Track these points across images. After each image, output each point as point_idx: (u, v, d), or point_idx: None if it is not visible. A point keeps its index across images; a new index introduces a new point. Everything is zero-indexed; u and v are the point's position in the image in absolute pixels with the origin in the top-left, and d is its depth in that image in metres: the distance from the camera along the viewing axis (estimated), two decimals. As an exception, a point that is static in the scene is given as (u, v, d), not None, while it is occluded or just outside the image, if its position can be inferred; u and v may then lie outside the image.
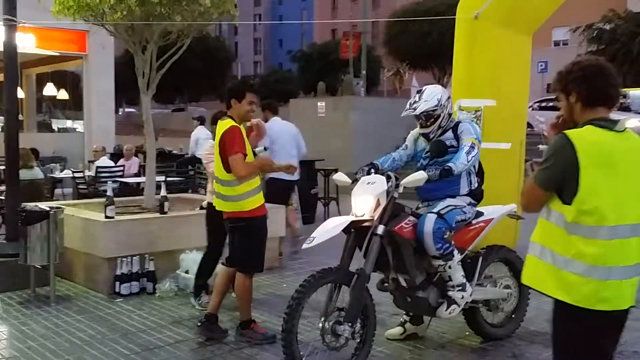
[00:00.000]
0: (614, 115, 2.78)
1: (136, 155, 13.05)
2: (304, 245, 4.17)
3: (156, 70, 7.52)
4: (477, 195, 4.74)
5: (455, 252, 4.51)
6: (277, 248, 7.70)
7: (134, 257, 6.34)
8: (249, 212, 4.78)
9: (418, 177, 4.30)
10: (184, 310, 5.84)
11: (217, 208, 4.95)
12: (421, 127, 4.71)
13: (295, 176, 7.46)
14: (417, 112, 4.59)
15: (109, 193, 6.50)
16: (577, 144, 2.58)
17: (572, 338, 2.73)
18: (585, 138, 2.61)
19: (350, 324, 4.11)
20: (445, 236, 4.40)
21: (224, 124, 4.75)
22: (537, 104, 19.45)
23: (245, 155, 4.68)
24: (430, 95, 4.62)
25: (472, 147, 4.48)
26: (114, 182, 11.11)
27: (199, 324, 5.12)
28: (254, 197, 4.81)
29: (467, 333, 5.12)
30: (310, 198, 10.84)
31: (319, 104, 16.45)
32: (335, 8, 62.21)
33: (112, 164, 12.29)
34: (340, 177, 4.65)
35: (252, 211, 4.79)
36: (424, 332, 5.10)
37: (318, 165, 11.53)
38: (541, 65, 28.68)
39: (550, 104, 16.12)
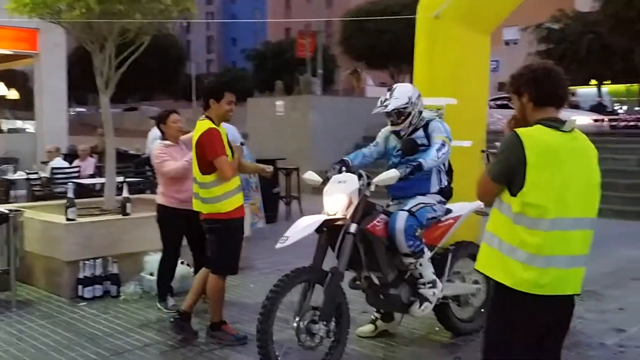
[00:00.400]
0: (565, 112, 2.94)
1: (91, 156, 12.81)
2: (278, 245, 4.15)
3: (115, 69, 7.38)
4: (446, 194, 4.80)
5: (426, 249, 4.56)
6: (243, 247, 7.63)
7: (97, 260, 6.21)
8: (226, 213, 4.75)
9: (390, 175, 4.33)
10: (151, 313, 5.74)
11: (194, 209, 4.90)
12: (392, 124, 4.75)
13: None
14: (389, 109, 4.62)
15: (70, 195, 6.36)
16: (526, 142, 2.74)
17: (508, 323, 2.84)
18: (534, 137, 2.77)
19: (325, 323, 4.11)
20: (416, 234, 4.44)
21: (202, 126, 4.72)
22: (493, 102, 19.80)
23: (226, 156, 4.68)
24: (401, 93, 4.67)
25: (442, 144, 4.54)
26: (70, 183, 10.92)
27: (172, 320, 5.08)
28: (232, 198, 4.78)
29: (437, 328, 5.18)
30: (272, 197, 10.80)
31: (277, 103, 16.41)
32: (288, 7, 62.13)
33: (67, 164, 12.02)
34: (310, 176, 4.65)
35: (229, 213, 4.76)
36: (395, 329, 5.14)
37: (279, 165, 11.50)
38: (492, 65, 29.18)
39: (506, 102, 16.42)
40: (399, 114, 4.66)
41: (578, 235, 2.82)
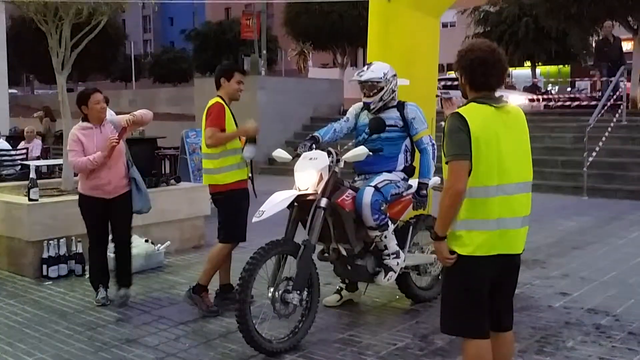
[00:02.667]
0: (501, 92, 3.29)
1: (36, 138, 12.63)
2: (254, 219, 4.35)
3: (70, 50, 7.36)
4: (409, 171, 5.09)
5: (390, 222, 4.84)
6: (202, 226, 7.79)
7: (61, 240, 6.26)
8: (226, 185, 5.05)
9: (359, 152, 4.59)
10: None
11: (203, 183, 5.32)
12: (365, 96, 5.03)
13: None
14: (363, 78, 4.94)
15: (32, 175, 6.38)
16: (468, 119, 3.05)
17: (463, 287, 3.15)
18: (473, 113, 3.09)
19: (298, 292, 4.35)
20: (381, 208, 4.71)
21: (211, 101, 5.09)
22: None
23: (223, 130, 5.00)
24: (378, 68, 5.00)
25: (432, 144, 4.97)
26: (16, 165, 10.76)
27: (215, 294, 5.27)
28: (232, 171, 5.10)
29: (397, 297, 5.49)
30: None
31: (224, 84, 16.42)
32: (227, -14, 61.24)
33: (9, 147, 11.81)
34: (279, 153, 4.85)
35: (229, 185, 5.06)
36: (358, 298, 5.43)
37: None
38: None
39: (449, 83, 16.86)
40: (372, 87, 4.94)
41: (520, 198, 3.17)
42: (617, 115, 12.96)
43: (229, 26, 37.85)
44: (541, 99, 20.13)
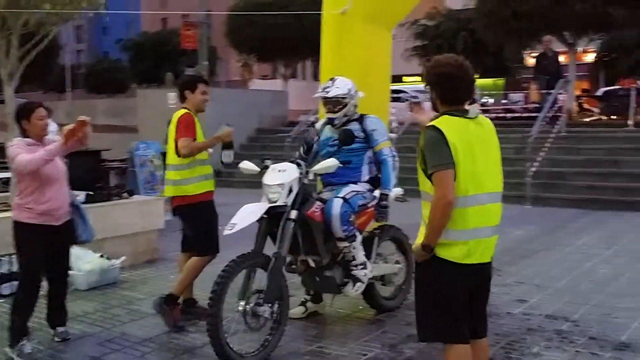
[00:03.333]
0: None
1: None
2: (225, 232, 4.31)
3: (19, 61, 7.14)
4: (375, 183, 5.15)
5: (358, 233, 4.88)
6: (156, 240, 7.65)
7: (13, 256, 6.02)
8: (195, 197, 4.98)
9: (329, 164, 4.61)
10: (76, 306, 5.67)
11: (167, 194, 5.16)
12: (328, 112, 5.06)
13: None
14: (330, 95, 4.97)
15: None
16: (444, 130, 3.12)
17: (440, 293, 3.21)
18: (448, 125, 3.15)
19: (270, 305, 4.32)
20: (350, 219, 4.75)
21: (179, 112, 5.02)
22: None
23: (194, 139, 4.94)
24: (342, 84, 5.04)
25: (393, 155, 5.01)
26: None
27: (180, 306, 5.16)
28: (202, 182, 5.04)
29: (360, 307, 5.52)
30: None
31: (169, 94, 16.18)
32: (164, -5, 60.50)
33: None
34: (246, 165, 4.83)
35: (199, 196, 5.00)
36: (323, 310, 5.43)
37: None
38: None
39: (394, 95, 17.11)
40: (337, 103, 4.97)
41: (492, 207, 3.26)
42: (556, 126, 13.42)
43: (167, 36, 37.37)
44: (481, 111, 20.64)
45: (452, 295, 3.23)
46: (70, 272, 6.06)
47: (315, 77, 48.38)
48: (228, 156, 5.06)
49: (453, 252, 3.17)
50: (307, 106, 17.73)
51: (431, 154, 3.15)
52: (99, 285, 6.24)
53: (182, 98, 5.16)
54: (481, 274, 3.31)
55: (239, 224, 4.29)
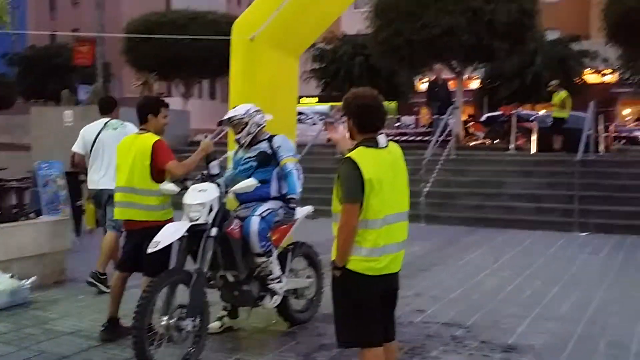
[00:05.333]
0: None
1: None
2: (149, 250, 4.51)
3: None
4: (285, 200, 5.48)
5: (274, 249, 5.20)
6: (63, 261, 7.60)
7: None
8: (164, 221, 5.02)
9: (249, 184, 4.92)
10: (-13, 328, 5.62)
11: (135, 219, 5.15)
12: (235, 133, 5.44)
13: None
14: (226, 117, 5.43)
15: None
16: (360, 164, 3.54)
17: (357, 303, 3.62)
18: (363, 157, 3.58)
19: (192, 319, 4.54)
20: (267, 235, 5.06)
21: (149, 138, 5.13)
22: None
23: (175, 160, 5.14)
24: (241, 107, 5.50)
25: (297, 169, 5.36)
26: None
27: (103, 328, 5.27)
28: (170, 208, 5.21)
29: (274, 321, 5.81)
30: (75, 210, 10.61)
31: (65, 112, 15.80)
32: (53, 8, 58.42)
33: None
34: (167, 186, 5.03)
35: (167, 221, 5.05)
36: (239, 325, 5.68)
37: (82, 177, 11.28)
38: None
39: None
40: (238, 124, 5.38)
41: (400, 225, 3.70)
42: (446, 149, 14.31)
43: (56, 50, 36.25)
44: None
45: (366, 303, 3.63)
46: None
47: (212, 96, 48.34)
48: (215, 167, 5.13)
49: (366, 267, 3.59)
50: (208, 125, 17.80)
51: (345, 187, 3.56)
52: (9, 306, 6.17)
53: (143, 120, 5.27)
54: (390, 282, 3.74)
55: (163, 242, 4.51)
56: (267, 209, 5.19)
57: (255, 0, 8.51)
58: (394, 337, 3.93)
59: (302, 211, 5.72)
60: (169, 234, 4.58)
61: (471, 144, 19.27)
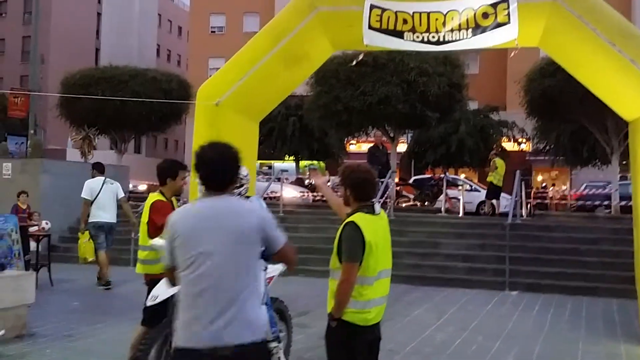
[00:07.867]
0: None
1: None
2: (148, 303, 4.79)
3: None
4: (268, 257, 5.86)
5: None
6: (25, 315, 7.61)
7: None
8: (160, 274, 5.08)
9: (280, 269, 5.33)
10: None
11: (147, 272, 5.40)
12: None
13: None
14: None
15: None
16: (362, 228, 4.02)
17: (350, 350, 4.06)
18: (364, 222, 4.07)
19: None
20: (275, 321, 5.47)
21: (151, 197, 5.45)
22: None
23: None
24: (244, 169, 5.74)
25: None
26: None
27: None
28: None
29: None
30: (24, 265, 10.53)
31: (4, 165, 15.65)
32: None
33: None
34: (157, 242, 5.31)
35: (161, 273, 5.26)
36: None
37: (30, 230, 11.27)
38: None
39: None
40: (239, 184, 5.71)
41: (386, 281, 4.21)
42: (386, 211, 14.98)
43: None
44: (310, 193, 22.10)
45: (360, 352, 4.08)
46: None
47: (138, 150, 47.96)
48: None
49: (360, 318, 4.05)
50: (148, 180, 17.88)
51: (346, 247, 4.01)
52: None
53: (163, 182, 5.54)
54: (376, 332, 4.21)
55: (161, 296, 4.81)
56: (264, 293, 5.52)
57: (219, 69, 9.06)
58: None
59: (275, 269, 6.11)
60: (166, 289, 4.87)
61: (403, 205, 20.11)
